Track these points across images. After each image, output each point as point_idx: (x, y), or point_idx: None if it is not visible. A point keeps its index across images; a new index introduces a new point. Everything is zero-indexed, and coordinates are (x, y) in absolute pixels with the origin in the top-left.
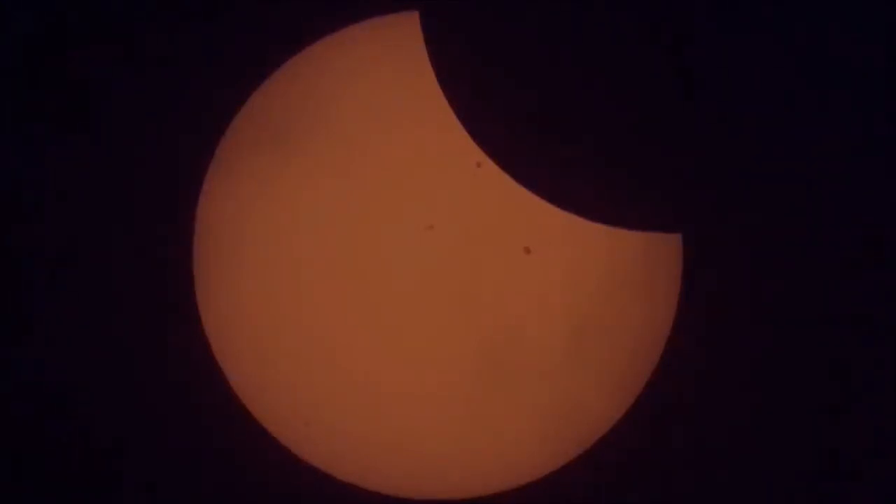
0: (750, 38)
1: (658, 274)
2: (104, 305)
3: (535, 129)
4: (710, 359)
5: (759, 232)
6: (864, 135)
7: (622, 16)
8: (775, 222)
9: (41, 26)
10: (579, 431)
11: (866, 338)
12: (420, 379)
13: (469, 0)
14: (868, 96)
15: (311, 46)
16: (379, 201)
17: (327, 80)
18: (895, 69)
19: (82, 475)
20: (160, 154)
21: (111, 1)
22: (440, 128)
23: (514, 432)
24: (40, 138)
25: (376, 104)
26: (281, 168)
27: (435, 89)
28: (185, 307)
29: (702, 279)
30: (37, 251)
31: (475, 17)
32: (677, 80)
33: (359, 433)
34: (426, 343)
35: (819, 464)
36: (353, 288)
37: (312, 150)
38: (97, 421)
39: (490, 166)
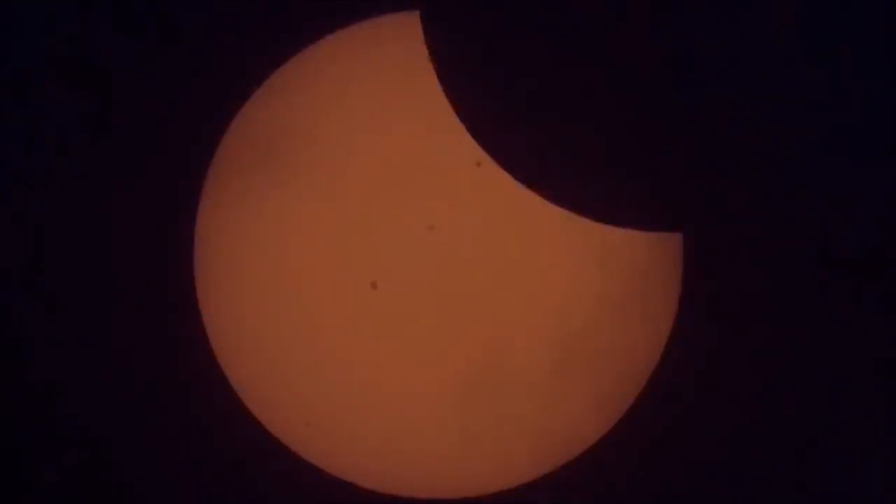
0: (750, 37)
1: (658, 274)
2: (105, 307)
3: (536, 128)
4: (710, 360)
5: (759, 232)
6: (866, 134)
7: (622, 15)
8: (775, 222)
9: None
10: (578, 431)
11: (867, 338)
12: (421, 378)
13: (469, 0)
14: (870, 95)
15: (311, 46)
16: (379, 201)
17: (327, 81)
18: None
19: (82, 475)
20: (160, 153)
21: (108, 6)
22: (440, 128)
23: (515, 431)
24: (42, 146)
25: (376, 104)
26: (282, 166)
27: (435, 89)
28: (186, 307)
29: (702, 279)
30: (38, 258)
31: (475, 17)
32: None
33: (359, 433)
34: (427, 342)
35: (819, 467)
36: (354, 288)
37: (313, 149)
38: (98, 421)
39: (490, 166)
